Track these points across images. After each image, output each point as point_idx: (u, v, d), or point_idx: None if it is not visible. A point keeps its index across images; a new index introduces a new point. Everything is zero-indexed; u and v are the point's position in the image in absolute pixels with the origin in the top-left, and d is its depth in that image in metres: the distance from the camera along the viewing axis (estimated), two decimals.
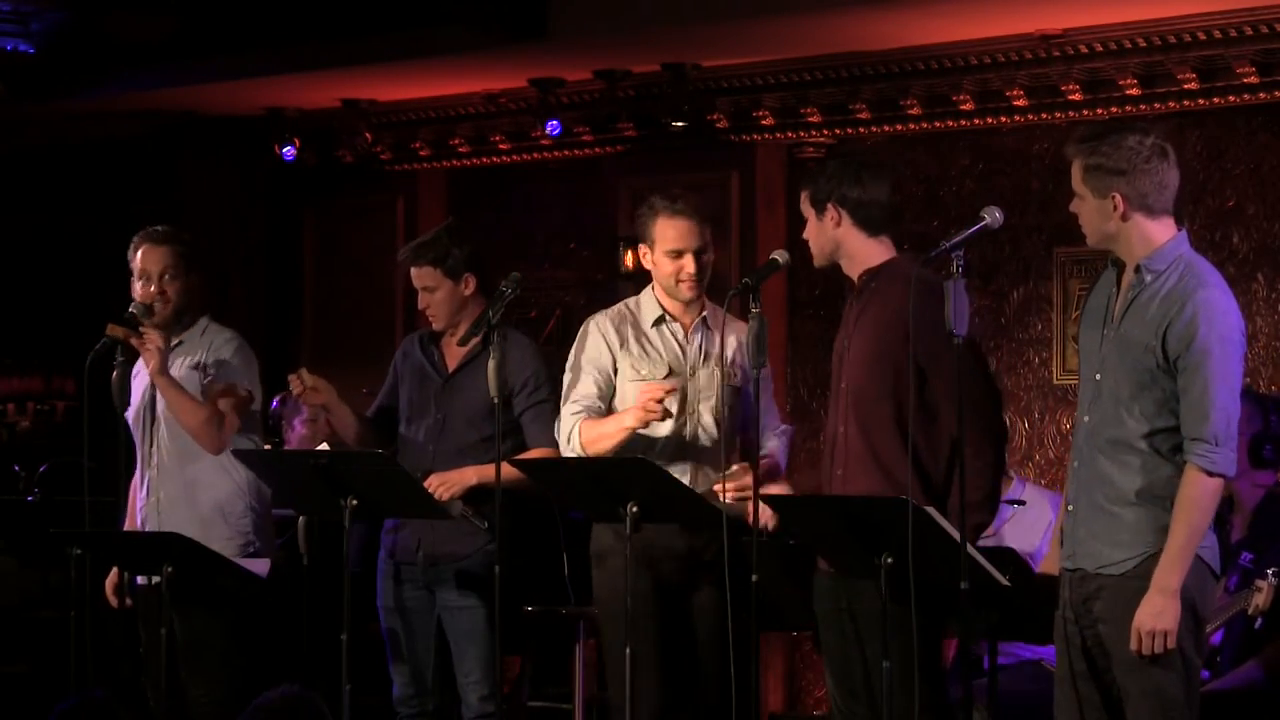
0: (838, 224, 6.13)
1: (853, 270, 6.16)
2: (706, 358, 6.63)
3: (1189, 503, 5.30)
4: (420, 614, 7.04)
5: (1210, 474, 5.29)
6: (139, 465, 7.18)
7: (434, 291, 7.06)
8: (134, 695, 7.17)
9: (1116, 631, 5.34)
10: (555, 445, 6.79)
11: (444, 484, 6.86)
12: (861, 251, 6.14)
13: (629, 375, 6.62)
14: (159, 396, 7.06)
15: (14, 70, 10.56)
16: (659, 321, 6.66)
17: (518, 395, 6.95)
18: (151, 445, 7.12)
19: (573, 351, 6.68)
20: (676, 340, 6.64)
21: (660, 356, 6.63)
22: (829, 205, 6.13)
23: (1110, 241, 5.48)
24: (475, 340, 6.86)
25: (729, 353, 6.63)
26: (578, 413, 6.56)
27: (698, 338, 6.65)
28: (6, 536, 8.51)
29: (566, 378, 6.66)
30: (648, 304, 6.70)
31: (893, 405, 5.95)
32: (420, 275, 7.08)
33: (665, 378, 6.59)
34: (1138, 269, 5.44)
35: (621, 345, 6.64)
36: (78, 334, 7.29)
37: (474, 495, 6.82)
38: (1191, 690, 5.37)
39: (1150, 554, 5.33)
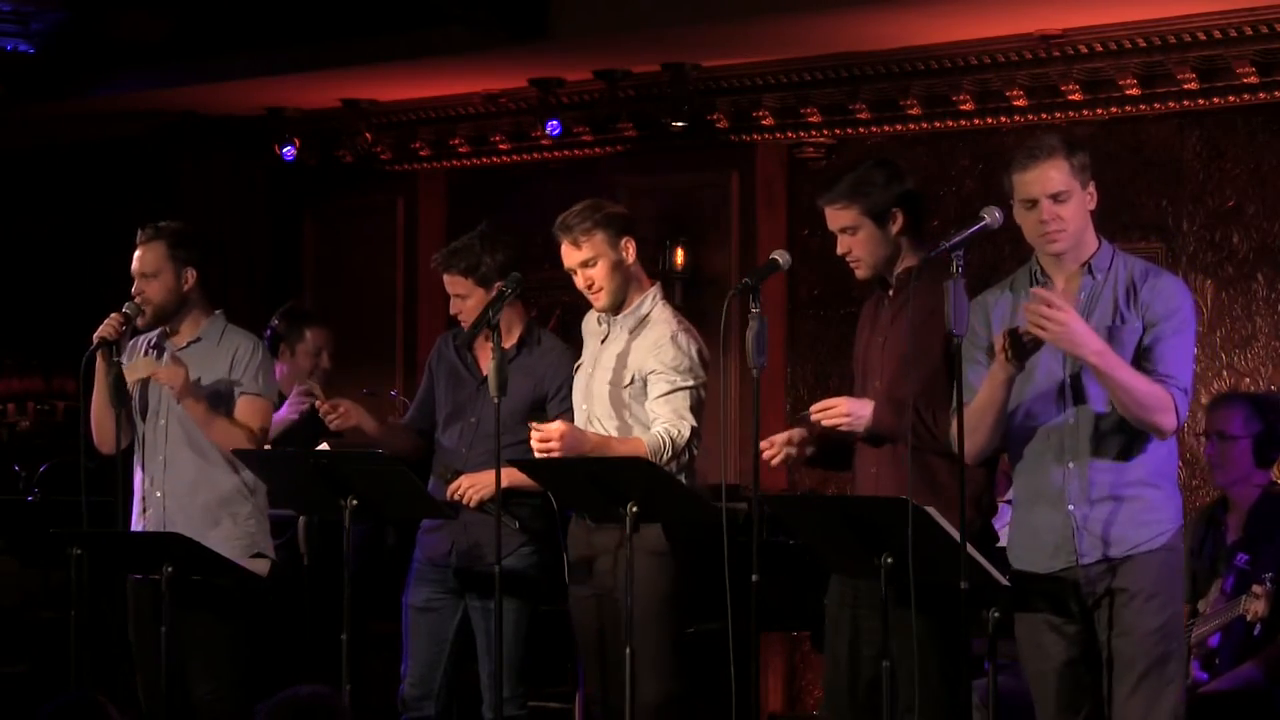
0: (901, 228, 6.12)
1: (891, 271, 6.15)
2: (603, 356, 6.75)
3: (1157, 391, 5.43)
4: (442, 616, 7.07)
5: (1175, 414, 5.45)
6: (139, 456, 7.16)
7: (465, 299, 7.05)
8: (130, 695, 7.17)
9: (1137, 601, 5.48)
10: None
11: (474, 486, 6.89)
12: (908, 249, 6.13)
13: None
14: (168, 396, 7.06)
15: (14, 70, 10.56)
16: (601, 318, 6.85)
17: (551, 400, 6.98)
18: (157, 439, 7.11)
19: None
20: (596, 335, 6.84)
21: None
22: (893, 210, 6.11)
23: (1077, 239, 5.56)
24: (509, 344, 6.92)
25: (631, 354, 6.70)
26: None
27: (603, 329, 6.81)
28: (6, 536, 8.49)
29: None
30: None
31: (935, 399, 5.95)
32: (451, 283, 7.07)
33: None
34: (1089, 269, 5.58)
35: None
36: (78, 334, 7.28)
37: (504, 497, 6.81)
38: (1181, 673, 5.58)
39: (1173, 530, 5.54)
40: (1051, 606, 5.55)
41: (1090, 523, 5.51)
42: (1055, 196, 5.52)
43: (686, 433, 6.56)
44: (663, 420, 6.57)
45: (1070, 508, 5.53)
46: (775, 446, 6.12)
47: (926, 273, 5.93)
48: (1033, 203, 5.54)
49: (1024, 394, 5.59)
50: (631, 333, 6.70)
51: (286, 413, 7.98)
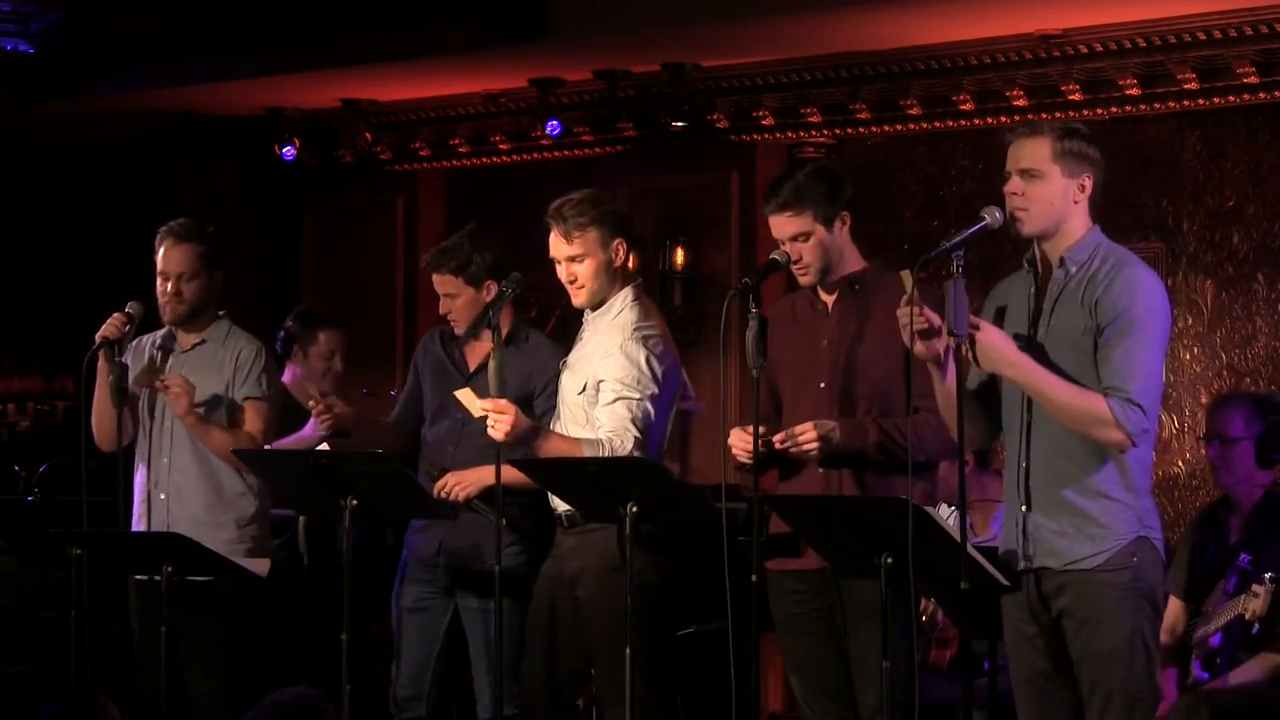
0: (848, 231, 6.16)
1: (835, 274, 6.17)
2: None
3: (1089, 403, 5.29)
4: (431, 617, 7.06)
5: (1120, 428, 5.28)
6: (142, 456, 7.16)
7: (455, 298, 7.03)
8: (131, 694, 7.17)
9: (1085, 628, 5.39)
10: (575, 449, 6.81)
11: (460, 483, 6.86)
12: (850, 253, 6.19)
13: None
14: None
15: (14, 70, 10.56)
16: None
17: (538, 397, 6.94)
18: (163, 440, 7.10)
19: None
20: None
21: None
22: (842, 213, 6.14)
23: (1053, 226, 5.51)
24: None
25: (588, 360, 6.66)
26: None
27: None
28: (6, 536, 8.50)
29: None
30: None
31: (892, 402, 6.02)
32: (441, 282, 7.05)
33: None
34: (1061, 262, 5.50)
35: None
36: (78, 334, 7.29)
37: (491, 494, 6.78)
38: (1153, 684, 5.46)
39: (1120, 547, 5.38)
40: (1014, 605, 5.53)
41: (1030, 526, 5.47)
42: (1024, 172, 5.51)
43: (629, 444, 6.45)
44: (607, 429, 6.49)
45: (1022, 508, 5.50)
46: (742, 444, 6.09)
47: (871, 277, 6.11)
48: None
49: (1006, 390, 5.56)
50: (596, 334, 6.66)
51: (311, 432, 7.97)
